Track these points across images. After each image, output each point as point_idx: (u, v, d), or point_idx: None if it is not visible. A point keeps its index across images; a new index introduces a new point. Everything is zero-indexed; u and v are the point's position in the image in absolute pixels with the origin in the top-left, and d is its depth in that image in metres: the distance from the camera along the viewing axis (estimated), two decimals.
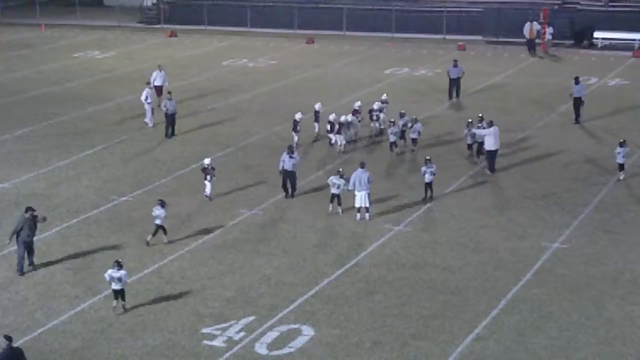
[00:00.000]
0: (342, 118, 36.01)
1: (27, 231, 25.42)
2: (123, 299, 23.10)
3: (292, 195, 31.04)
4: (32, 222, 25.58)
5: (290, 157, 30.60)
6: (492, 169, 33.24)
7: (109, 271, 22.97)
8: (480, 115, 35.61)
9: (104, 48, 59.66)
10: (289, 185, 31.02)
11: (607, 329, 22.08)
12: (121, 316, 22.96)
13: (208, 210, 29.98)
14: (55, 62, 55.17)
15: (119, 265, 22.89)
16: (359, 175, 28.84)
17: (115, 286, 22.93)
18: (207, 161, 30.95)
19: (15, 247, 25.64)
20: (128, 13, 70.58)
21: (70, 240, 27.92)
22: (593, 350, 21.10)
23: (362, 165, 29.27)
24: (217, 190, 31.35)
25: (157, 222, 26.95)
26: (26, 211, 25.60)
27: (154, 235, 27.14)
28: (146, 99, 39.60)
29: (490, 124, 33.27)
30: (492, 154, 33.20)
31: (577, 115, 39.56)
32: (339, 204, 29.42)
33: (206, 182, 30.76)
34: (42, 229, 28.49)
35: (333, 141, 35.92)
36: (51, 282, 25.00)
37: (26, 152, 36.66)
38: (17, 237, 25.47)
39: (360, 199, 28.81)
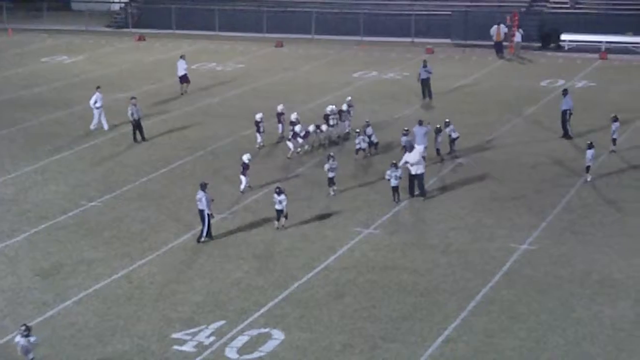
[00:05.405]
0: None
1: None
2: (286, 217, 28.30)
3: (198, 239, 27.64)
4: None
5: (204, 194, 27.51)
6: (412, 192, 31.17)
7: (275, 196, 27.96)
8: (447, 120, 35.68)
9: (72, 52, 59.36)
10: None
11: (575, 329, 22.23)
12: (90, 322, 22.85)
13: (177, 215, 29.89)
14: (22, 67, 54.83)
15: (279, 188, 28.14)
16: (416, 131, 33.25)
17: (278, 207, 28.03)
18: (246, 157, 31.67)
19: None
20: (96, 17, 70.32)
21: (38, 245, 27.73)
22: (562, 351, 21.24)
23: (420, 123, 33.47)
24: (186, 194, 31.24)
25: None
26: None
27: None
28: (95, 102, 39.63)
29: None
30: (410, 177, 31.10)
31: (566, 129, 37.74)
32: (332, 184, 31.56)
33: (242, 176, 31.77)
34: (10, 235, 28.39)
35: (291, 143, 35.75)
36: (19, 288, 24.82)
37: None
38: None
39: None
